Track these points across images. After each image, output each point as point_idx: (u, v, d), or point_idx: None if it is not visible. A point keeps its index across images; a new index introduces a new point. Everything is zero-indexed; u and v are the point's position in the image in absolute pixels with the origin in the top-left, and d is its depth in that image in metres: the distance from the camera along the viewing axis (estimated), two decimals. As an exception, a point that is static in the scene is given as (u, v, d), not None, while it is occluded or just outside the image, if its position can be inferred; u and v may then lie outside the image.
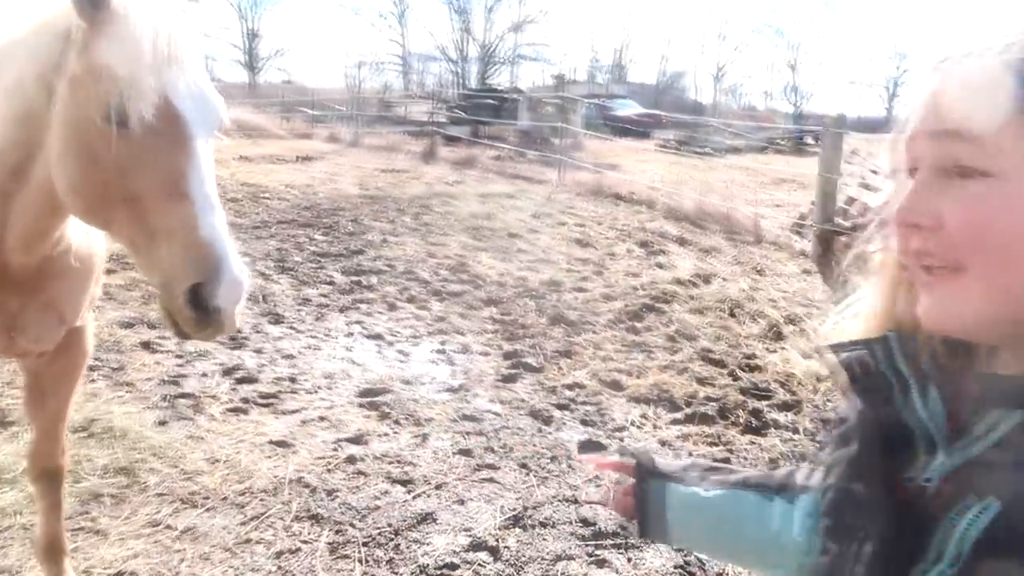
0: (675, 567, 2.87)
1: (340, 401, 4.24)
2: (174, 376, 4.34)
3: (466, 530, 3.02)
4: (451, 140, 19.13)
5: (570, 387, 4.64)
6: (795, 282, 7.34)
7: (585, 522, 3.13)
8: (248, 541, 2.85)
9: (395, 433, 3.89)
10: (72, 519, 2.81)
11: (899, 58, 69.31)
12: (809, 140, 24.27)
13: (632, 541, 3.00)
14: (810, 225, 8.70)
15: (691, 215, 10.30)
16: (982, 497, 0.66)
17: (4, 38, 1.58)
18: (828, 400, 4.61)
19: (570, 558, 2.89)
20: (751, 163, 18.26)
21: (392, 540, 2.91)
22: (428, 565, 2.77)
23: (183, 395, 4.11)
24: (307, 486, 3.28)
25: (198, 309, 1.38)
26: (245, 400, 4.11)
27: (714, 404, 4.45)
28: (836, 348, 0.84)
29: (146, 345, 4.79)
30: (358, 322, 5.68)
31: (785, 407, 4.51)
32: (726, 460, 3.81)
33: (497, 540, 2.96)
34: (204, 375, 4.39)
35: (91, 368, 4.14)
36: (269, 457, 3.52)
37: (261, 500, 3.13)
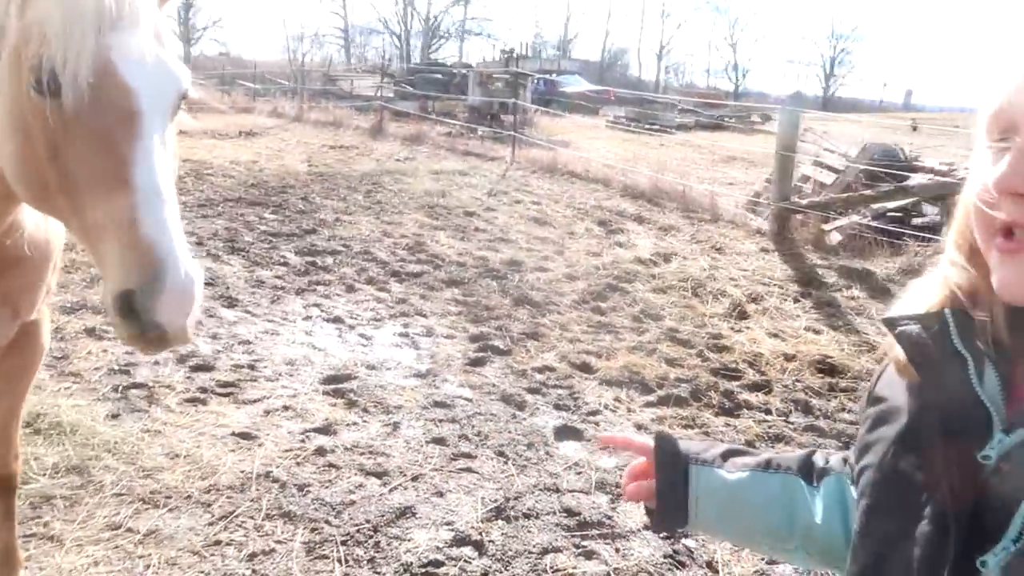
0: (664, 556, 2.81)
1: (304, 389, 4.06)
2: (124, 365, 4.08)
3: (448, 524, 2.91)
4: (399, 115, 18.75)
5: (540, 370, 4.54)
6: (754, 260, 7.36)
7: (569, 512, 3.04)
8: (218, 543, 2.67)
9: (364, 422, 3.73)
10: (23, 524, 2.59)
11: (835, 38, 70.83)
12: (756, 118, 24.60)
13: (619, 531, 2.93)
14: (766, 203, 8.75)
15: (647, 193, 10.28)
16: None
17: None
18: (797, 380, 4.62)
19: (557, 550, 2.80)
20: (701, 141, 18.39)
21: (371, 537, 2.77)
22: (412, 563, 2.65)
23: (135, 385, 3.87)
24: (276, 481, 3.11)
25: (130, 319, 1.15)
26: (203, 389, 3.90)
27: (686, 386, 4.41)
28: (890, 322, 0.83)
29: (91, 332, 4.51)
30: (316, 305, 5.47)
31: (756, 387, 4.50)
32: (702, 443, 3.77)
33: (481, 534, 2.85)
34: (157, 363, 4.14)
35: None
36: (233, 450, 3.33)
37: (228, 498, 2.96)
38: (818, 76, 71.96)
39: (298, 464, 3.26)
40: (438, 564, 2.66)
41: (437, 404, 3.98)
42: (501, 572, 2.66)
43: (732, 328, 5.47)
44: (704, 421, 4.01)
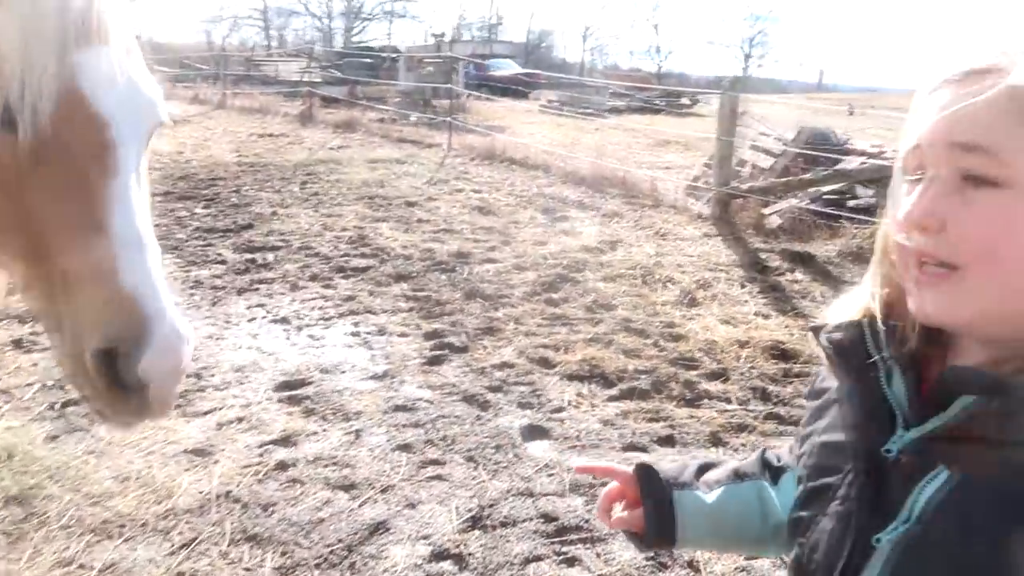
0: (646, 559, 2.77)
1: (256, 397, 3.88)
2: (58, 379, 3.81)
3: (424, 538, 2.80)
4: (329, 101, 18.25)
5: (499, 367, 4.46)
6: (698, 246, 7.43)
7: (546, 517, 2.98)
8: (181, 574, 2.51)
9: (324, 431, 3.58)
10: (-39, 567, 2.38)
11: (753, 19, 72.53)
12: (685, 101, 24.92)
13: (598, 535, 2.88)
14: (706, 187, 8.84)
15: (588, 179, 10.27)
16: (935, 468, 0.76)
17: None
18: (752, 367, 4.67)
19: (539, 559, 2.73)
20: (635, 124, 18.52)
21: (346, 558, 2.65)
22: (391, 583, 2.54)
23: (72, 402, 3.61)
24: (238, 501, 2.95)
25: (113, 382, 1.03)
26: (148, 403, 3.67)
27: (646, 377, 4.40)
28: (816, 330, 0.93)
29: (18, 344, 4.22)
30: (260, 305, 5.26)
31: (714, 376, 4.52)
32: (669, 437, 3.76)
33: (459, 546, 2.76)
34: (95, 376, 3.89)
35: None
36: (188, 469, 3.15)
37: (188, 523, 2.78)
38: (736, 58, 73.57)
39: (259, 481, 3.10)
40: (419, 582, 2.56)
41: (398, 408, 3.86)
42: (484, 586, 2.58)
43: (684, 316, 5.49)
44: (668, 414, 4.00)
